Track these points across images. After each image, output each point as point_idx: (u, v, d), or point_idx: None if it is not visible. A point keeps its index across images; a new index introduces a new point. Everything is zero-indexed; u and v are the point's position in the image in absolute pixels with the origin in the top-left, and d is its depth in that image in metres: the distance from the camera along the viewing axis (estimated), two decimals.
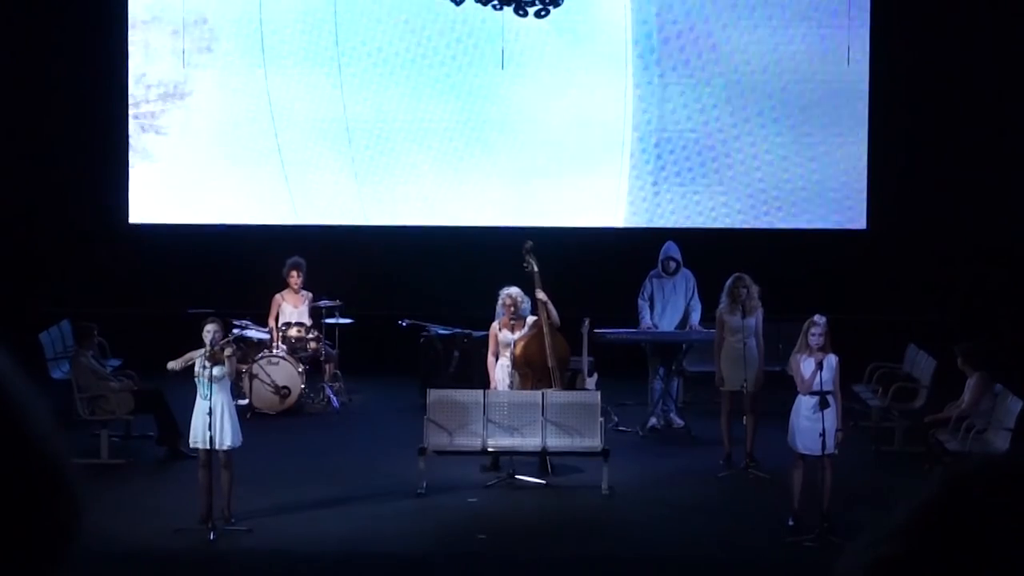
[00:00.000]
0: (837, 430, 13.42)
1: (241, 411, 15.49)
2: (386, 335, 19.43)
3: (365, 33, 20.93)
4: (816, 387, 13.33)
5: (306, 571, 13.00)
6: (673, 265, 17.68)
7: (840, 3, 20.76)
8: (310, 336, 18.71)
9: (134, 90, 21.02)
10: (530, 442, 15.24)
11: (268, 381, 18.19)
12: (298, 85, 21.03)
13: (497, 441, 15.25)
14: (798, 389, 13.57)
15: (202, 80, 21.08)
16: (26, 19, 20.84)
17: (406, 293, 20.47)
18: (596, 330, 17.02)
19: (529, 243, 16.44)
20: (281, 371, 18.24)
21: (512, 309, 15.90)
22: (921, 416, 16.34)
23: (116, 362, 18.54)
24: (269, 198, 21.18)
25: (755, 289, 16.09)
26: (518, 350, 15.89)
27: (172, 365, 13.97)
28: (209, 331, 13.63)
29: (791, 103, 20.88)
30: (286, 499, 14.50)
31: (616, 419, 17.44)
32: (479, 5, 16.82)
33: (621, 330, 17.84)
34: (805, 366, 13.47)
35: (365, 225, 21.11)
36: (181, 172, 21.15)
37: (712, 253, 18.64)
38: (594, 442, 15.13)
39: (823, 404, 13.26)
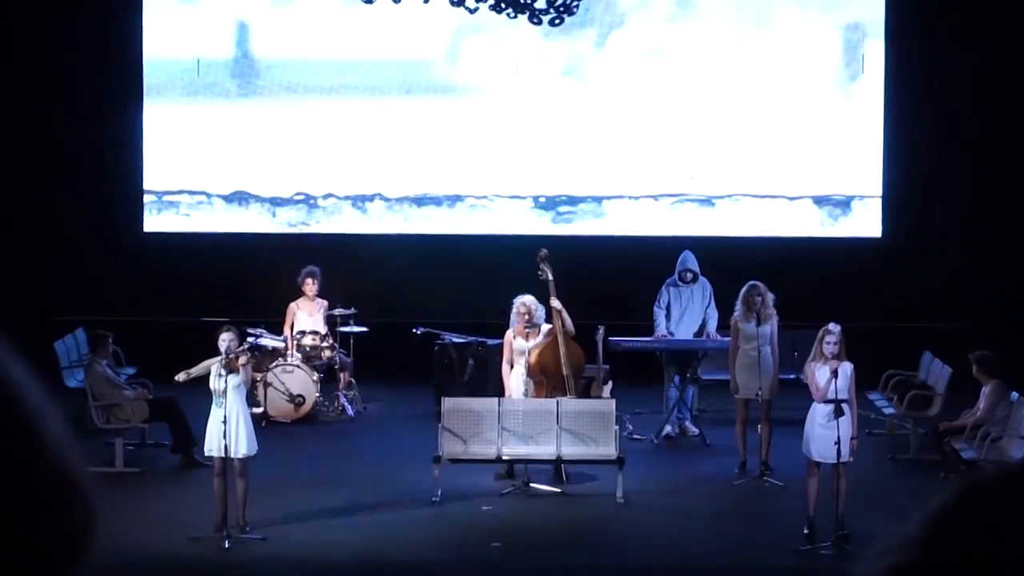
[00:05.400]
0: (852, 438, 13.40)
1: (256, 419, 15.49)
2: (400, 343, 19.40)
3: (373, 39, 20.95)
4: (831, 395, 13.31)
5: None
6: (690, 276, 17.66)
7: (855, 10, 20.75)
8: (325, 344, 18.71)
9: (149, 98, 21.07)
10: (545, 450, 15.23)
11: (283, 389, 18.20)
12: (315, 91, 21.06)
13: (512, 449, 15.24)
14: (813, 397, 13.56)
15: (218, 87, 21.14)
16: (43, 29, 20.87)
17: (420, 301, 20.47)
18: (611, 338, 17.02)
19: (544, 251, 16.43)
20: (296, 379, 18.25)
21: (526, 317, 15.89)
22: (936, 424, 16.31)
23: (131, 370, 18.56)
24: (284, 206, 21.21)
25: (770, 297, 16.09)
26: (533, 358, 15.88)
27: (180, 377, 14.00)
28: (225, 340, 13.63)
29: (805, 112, 20.85)
30: (301, 507, 14.50)
31: (631, 427, 17.42)
32: (493, 13, 16.84)
33: (636, 338, 17.84)
34: (820, 374, 13.45)
35: (380, 233, 21.12)
36: (196, 179, 21.20)
37: (727, 261, 18.63)
38: (609, 450, 15.12)
39: (838, 412, 13.24)
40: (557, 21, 16.97)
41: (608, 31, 20.94)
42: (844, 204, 21.01)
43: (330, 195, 21.22)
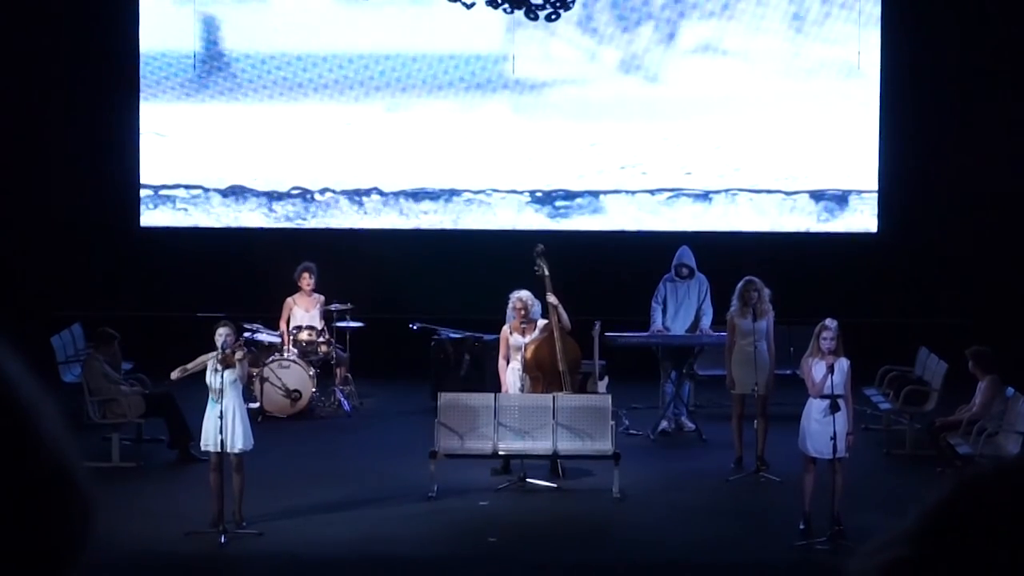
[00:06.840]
0: (848, 433, 13.41)
1: (252, 414, 15.48)
2: (397, 338, 19.42)
3: (370, 34, 20.96)
4: (827, 391, 13.31)
5: (317, 575, 13.01)
6: (686, 271, 17.67)
7: (850, 6, 20.75)
8: (321, 339, 18.71)
9: (145, 92, 21.07)
10: (541, 445, 15.23)
11: (279, 384, 18.19)
12: (312, 85, 21.07)
13: (508, 444, 15.24)
14: (809, 392, 13.56)
15: (214, 81, 21.13)
16: (40, 25, 20.86)
17: (417, 296, 20.48)
18: (607, 334, 17.01)
19: (540, 246, 16.43)
20: (292, 374, 18.24)
21: (523, 312, 15.89)
22: (932, 419, 16.32)
23: (127, 365, 18.53)
24: (281, 200, 21.21)
25: (766, 292, 16.08)
26: (529, 353, 15.87)
27: (175, 375, 14.00)
28: (221, 335, 13.62)
29: (801, 107, 20.86)
30: (297, 502, 14.50)
31: (627, 422, 17.43)
32: (490, 8, 16.85)
33: (632, 334, 17.84)
34: (816, 370, 13.45)
35: (376, 228, 21.13)
36: (192, 174, 21.20)
37: (723, 256, 18.63)
38: (605, 445, 15.12)
39: (834, 408, 13.24)
40: (554, 16, 16.97)
41: (604, 27, 20.93)
42: (840, 199, 21.02)
43: (327, 190, 21.23)
